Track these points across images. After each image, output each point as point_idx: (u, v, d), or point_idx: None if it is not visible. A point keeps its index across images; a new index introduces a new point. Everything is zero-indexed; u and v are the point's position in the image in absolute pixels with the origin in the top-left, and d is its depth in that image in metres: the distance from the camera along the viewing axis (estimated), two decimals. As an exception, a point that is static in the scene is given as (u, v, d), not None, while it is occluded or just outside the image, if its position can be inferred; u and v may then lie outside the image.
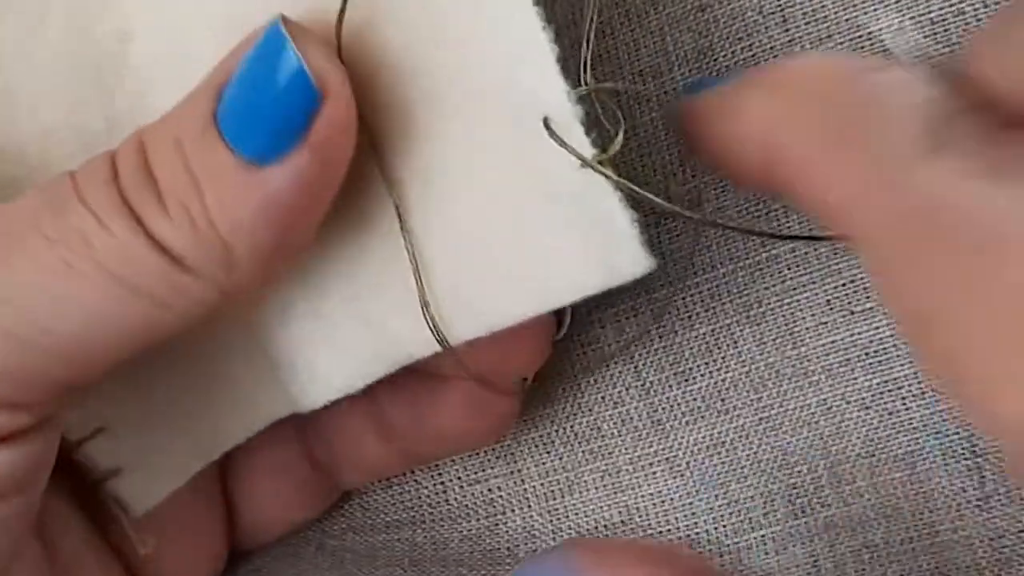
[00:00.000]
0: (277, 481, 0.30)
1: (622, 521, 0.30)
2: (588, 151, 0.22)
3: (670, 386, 0.30)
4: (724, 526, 0.29)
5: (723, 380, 0.30)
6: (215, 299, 0.23)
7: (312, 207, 0.23)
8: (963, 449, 0.28)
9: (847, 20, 0.28)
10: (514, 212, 0.23)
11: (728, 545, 0.29)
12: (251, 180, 0.22)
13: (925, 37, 0.28)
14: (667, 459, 0.30)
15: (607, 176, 0.22)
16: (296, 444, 0.30)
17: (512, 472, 0.31)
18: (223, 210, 0.22)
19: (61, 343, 0.22)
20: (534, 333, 0.27)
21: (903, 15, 0.28)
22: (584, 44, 0.23)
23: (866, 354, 0.29)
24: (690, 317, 0.30)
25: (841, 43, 0.28)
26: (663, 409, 0.30)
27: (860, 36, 0.28)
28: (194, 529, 0.29)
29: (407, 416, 0.28)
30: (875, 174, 0.19)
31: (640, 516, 0.30)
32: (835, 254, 0.29)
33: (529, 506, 0.31)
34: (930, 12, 0.27)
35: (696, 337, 0.30)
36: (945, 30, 0.27)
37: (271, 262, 0.23)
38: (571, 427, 0.31)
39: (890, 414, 0.29)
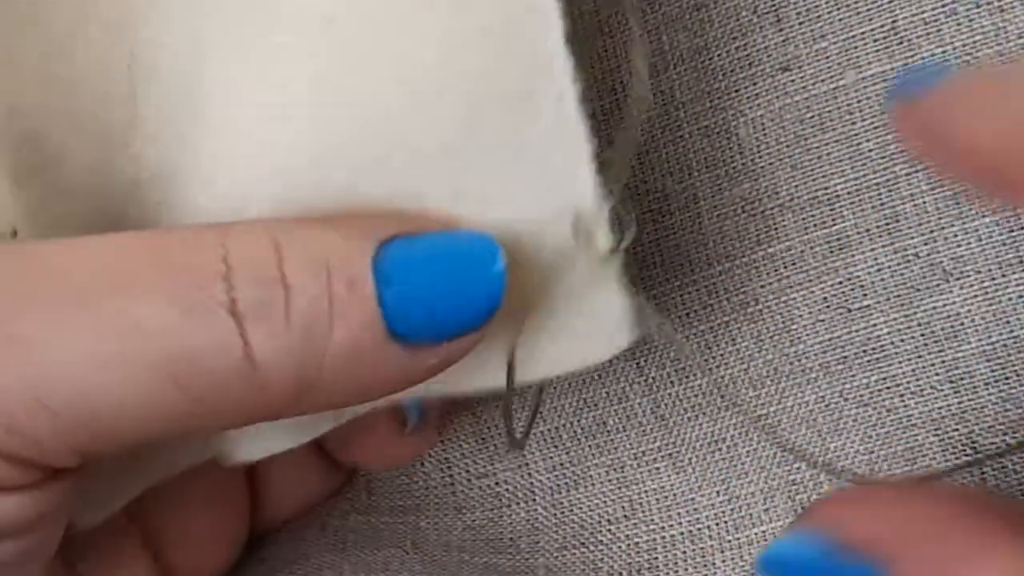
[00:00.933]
0: (297, 463, 0.30)
1: (625, 516, 0.31)
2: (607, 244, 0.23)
3: (671, 382, 0.31)
4: (726, 521, 0.30)
5: (722, 378, 0.30)
6: (254, 420, 0.22)
7: (390, 393, 0.23)
8: (963, 446, 0.29)
9: (840, 20, 0.28)
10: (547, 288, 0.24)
11: (729, 540, 0.30)
12: (379, 350, 0.21)
13: (918, 37, 0.28)
14: (670, 455, 0.31)
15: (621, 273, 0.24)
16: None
17: (520, 466, 0.32)
18: (340, 359, 0.21)
19: (96, 431, 0.20)
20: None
21: (895, 15, 0.28)
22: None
23: (864, 351, 0.29)
24: (688, 315, 0.31)
25: (835, 42, 0.28)
26: (666, 405, 0.31)
27: (853, 36, 0.28)
28: (219, 513, 0.29)
29: (349, 451, 0.28)
30: None
31: (643, 511, 0.31)
32: (832, 252, 0.29)
33: (535, 499, 0.32)
34: (923, 12, 0.27)
35: (694, 335, 0.31)
36: (938, 30, 0.27)
37: (320, 410, 0.22)
38: (578, 422, 0.32)
39: (888, 411, 0.29)
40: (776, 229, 0.29)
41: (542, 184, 0.23)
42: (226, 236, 0.21)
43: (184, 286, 0.20)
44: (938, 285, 0.28)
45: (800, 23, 0.29)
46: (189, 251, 0.20)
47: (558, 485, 0.32)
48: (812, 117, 0.29)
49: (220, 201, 0.22)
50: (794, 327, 0.30)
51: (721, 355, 0.30)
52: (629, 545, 0.31)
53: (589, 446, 0.32)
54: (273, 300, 0.20)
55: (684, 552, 0.30)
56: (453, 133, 0.22)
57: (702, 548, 0.30)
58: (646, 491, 0.31)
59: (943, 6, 0.27)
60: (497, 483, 0.32)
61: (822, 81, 0.29)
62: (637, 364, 0.31)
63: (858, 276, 0.29)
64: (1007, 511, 0.21)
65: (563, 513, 0.32)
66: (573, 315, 0.24)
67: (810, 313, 0.29)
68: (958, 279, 0.28)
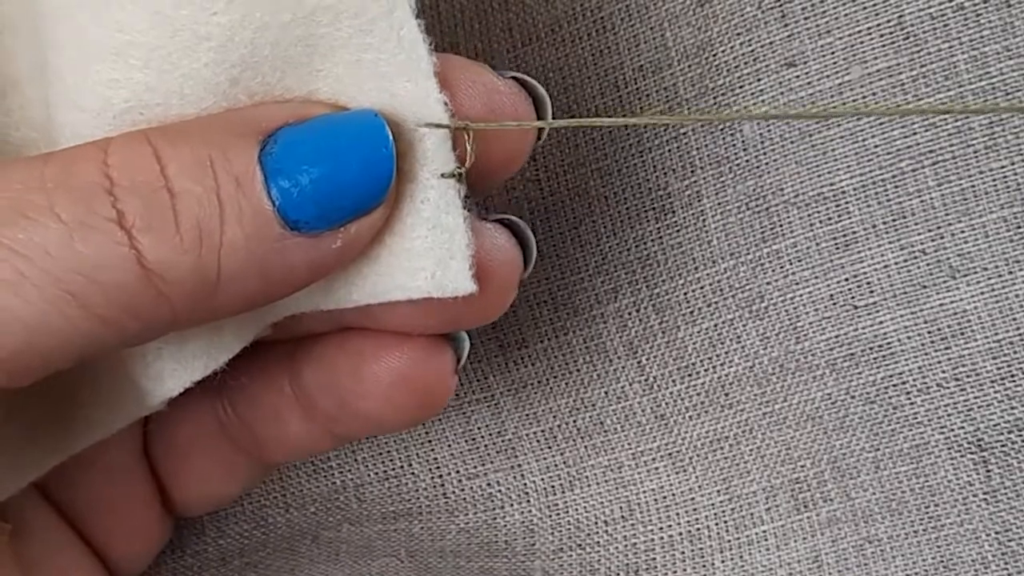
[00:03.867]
0: (199, 459, 0.29)
1: (623, 516, 0.31)
2: (450, 164, 0.23)
3: (673, 381, 0.31)
4: (725, 522, 0.30)
5: (727, 375, 0.30)
6: (165, 330, 0.22)
7: (309, 282, 0.23)
8: (969, 443, 0.29)
9: (846, 15, 0.29)
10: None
11: (729, 541, 0.30)
12: (276, 241, 0.21)
13: (925, 32, 0.28)
14: (670, 454, 0.31)
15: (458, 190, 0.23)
16: (216, 422, 0.29)
17: (513, 467, 0.32)
18: (237, 255, 0.21)
19: (4, 357, 0.20)
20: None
21: (902, 10, 0.29)
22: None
23: (870, 348, 0.29)
24: (692, 312, 0.31)
25: (840, 38, 0.29)
26: (667, 404, 0.31)
27: (859, 31, 0.29)
28: (128, 503, 0.29)
29: (330, 398, 0.26)
30: None
31: (641, 511, 0.31)
32: (838, 249, 0.30)
33: (528, 501, 0.32)
34: (930, 7, 0.28)
35: (699, 332, 0.31)
36: (945, 25, 0.28)
37: (235, 312, 0.22)
38: (574, 422, 0.32)
39: (895, 408, 0.29)
40: (781, 226, 0.30)
41: (385, 98, 0.23)
42: (106, 150, 0.21)
43: (70, 205, 0.20)
44: (945, 282, 0.29)
45: (805, 18, 0.29)
46: (71, 170, 0.21)
47: (553, 486, 0.32)
48: (818, 113, 0.29)
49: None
50: (800, 324, 0.30)
51: (726, 352, 0.30)
52: (627, 546, 0.31)
53: (586, 447, 0.32)
54: (159, 207, 0.21)
55: (683, 553, 0.30)
56: (298, 53, 0.23)
57: (701, 548, 0.30)
58: (644, 491, 0.31)
59: (950, 1, 0.28)
60: (489, 484, 0.32)
61: (827, 77, 0.29)
62: (638, 363, 0.31)
63: (864, 273, 0.29)
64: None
65: (558, 515, 0.32)
66: (413, 232, 0.24)
67: (816, 310, 0.30)
68: (965, 276, 0.29)
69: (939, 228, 0.29)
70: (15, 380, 0.21)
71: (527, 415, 0.32)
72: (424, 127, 0.23)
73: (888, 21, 0.29)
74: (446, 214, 0.23)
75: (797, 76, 0.30)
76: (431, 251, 0.23)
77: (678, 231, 0.31)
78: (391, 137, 0.22)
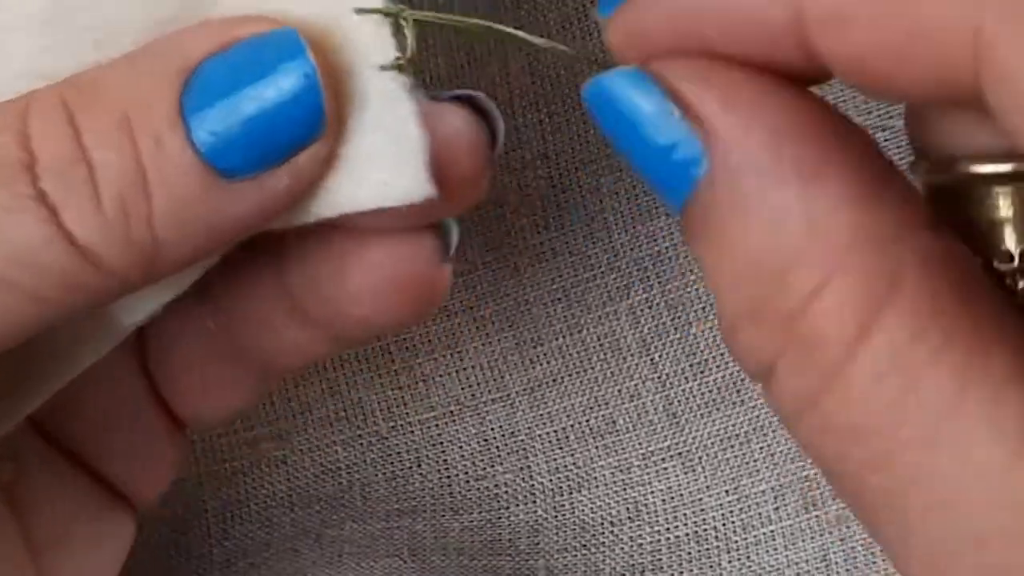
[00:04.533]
0: (199, 373, 0.28)
1: (629, 517, 0.30)
2: (389, 55, 0.21)
3: (686, 378, 0.31)
4: (733, 521, 0.29)
5: (738, 372, 0.30)
6: (120, 295, 0.21)
7: (263, 223, 0.22)
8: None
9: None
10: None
11: (736, 541, 0.29)
12: (213, 194, 0.20)
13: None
14: (680, 453, 0.30)
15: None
16: (211, 333, 0.28)
17: (522, 468, 0.32)
18: (171, 218, 0.20)
19: None
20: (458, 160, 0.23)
21: None
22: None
23: (882, 342, 0.29)
24: (704, 309, 0.31)
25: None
26: (679, 402, 0.31)
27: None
28: (133, 424, 0.28)
29: (320, 305, 0.25)
30: None
31: (648, 512, 0.30)
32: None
33: (535, 501, 0.31)
34: None
35: (711, 329, 0.31)
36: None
37: (190, 264, 0.21)
38: (587, 422, 0.32)
39: (907, 405, 0.28)
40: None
41: None
42: (25, 118, 0.20)
43: None
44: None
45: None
46: None
47: (560, 487, 0.31)
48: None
49: None
50: (809, 316, 0.29)
51: (735, 349, 0.30)
52: (632, 547, 0.30)
53: (597, 447, 0.31)
54: (78, 182, 0.20)
55: (689, 553, 0.30)
56: None
57: (707, 549, 0.29)
58: (652, 492, 0.30)
59: None
60: (496, 485, 0.32)
61: (831, 83, 0.29)
62: (651, 360, 0.31)
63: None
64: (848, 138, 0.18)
65: (564, 515, 0.31)
66: (357, 136, 0.22)
67: (826, 302, 0.29)
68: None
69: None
70: None
71: (541, 414, 0.32)
72: (358, 14, 0.21)
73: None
74: (391, 111, 0.21)
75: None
76: (380, 155, 0.21)
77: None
78: (311, 60, 0.20)
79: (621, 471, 0.31)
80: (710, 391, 0.31)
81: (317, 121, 0.20)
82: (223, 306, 0.26)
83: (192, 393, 0.28)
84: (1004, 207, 0.18)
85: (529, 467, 0.32)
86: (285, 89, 0.20)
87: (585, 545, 0.31)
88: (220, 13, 0.21)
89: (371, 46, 0.21)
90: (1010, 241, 0.18)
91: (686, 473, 0.30)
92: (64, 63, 0.21)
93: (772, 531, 0.29)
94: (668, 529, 0.30)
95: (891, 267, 0.17)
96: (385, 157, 0.21)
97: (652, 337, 0.31)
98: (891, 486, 0.17)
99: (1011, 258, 0.18)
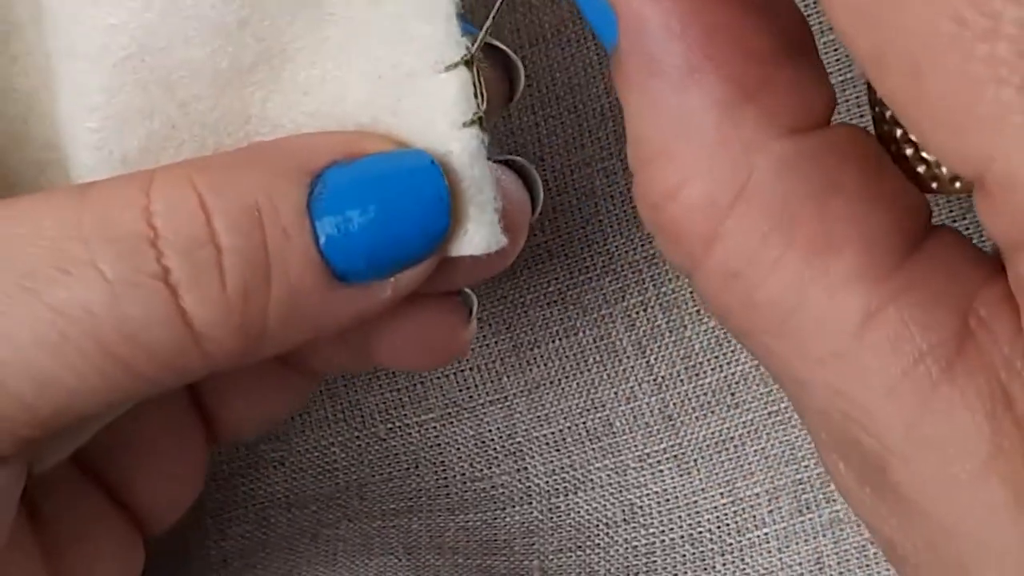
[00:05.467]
0: (246, 381, 0.28)
1: (624, 519, 0.31)
2: (469, 112, 0.22)
3: (681, 381, 0.31)
4: (728, 524, 0.30)
5: (733, 374, 0.30)
6: (194, 378, 0.21)
7: (353, 328, 0.22)
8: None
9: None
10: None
11: (730, 544, 0.30)
12: (326, 294, 0.21)
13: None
14: (675, 456, 0.31)
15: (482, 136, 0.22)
16: None
17: (519, 470, 0.32)
18: (283, 312, 0.20)
19: (38, 417, 0.20)
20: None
21: None
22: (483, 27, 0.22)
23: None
24: (699, 311, 0.31)
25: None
26: (674, 404, 0.31)
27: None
28: (177, 444, 0.28)
29: (353, 343, 0.26)
30: None
31: (643, 514, 0.31)
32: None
33: (531, 502, 0.32)
34: None
35: (706, 331, 0.31)
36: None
37: (274, 355, 0.22)
38: (584, 424, 0.32)
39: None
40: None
41: (401, 41, 0.22)
42: (148, 193, 0.20)
43: (114, 260, 0.20)
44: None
45: (808, 15, 0.30)
46: (112, 217, 0.20)
47: (556, 489, 0.32)
48: None
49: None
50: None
51: (732, 351, 0.31)
52: (627, 548, 0.30)
53: (593, 449, 0.32)
54: (206, 264, 0.20)
55: (683, 555, 0.30)
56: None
57: (702, 552, 0.30)
58: (648, 494, 0.31)
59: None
60: (493, 486, 0.32)
61: (830, 74, 0.29)
62: (647, 362, 0.31)
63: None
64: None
65: (559, 516, 0.31)
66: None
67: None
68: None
69: (944, 222, 0.28)
70: (49, 432, 0.21)
71: (538, 416, 0.32)
72: (444, 72, 0.21)
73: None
74: (472, 166, 0.22)
75: None
76: (463, 207, 0.22)
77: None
78: (447, 184, 0.21)
79: (617, 473, 0.31)
80: (705, 394, 0.31)
81: (437, 242, 0.21)
82: None
83: (239, 400, 0.28)
84: None
85: (526, 468, 0.32)
86: (416, 209, 0.21)
87: (580, 546, 0.31)
88: (293, 74, 0.22)
89: (455, 102, 0.22)
90: None
91: (681, 475, 0.31)
92: (131, 103, 0.21)
93: (766, 534, 0.30)
94: (663, 531, 0.30)
95: (742, 175, 0.18)
96: (468, 210, 0.22)
97: (647, 340, 0.31)
98: (761, 357, 0.19)
99: None
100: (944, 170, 0.19)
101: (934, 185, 0.19)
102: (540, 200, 0.25)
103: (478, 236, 0.22)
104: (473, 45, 0.22)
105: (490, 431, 0.33)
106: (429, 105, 0.22)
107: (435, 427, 0.33)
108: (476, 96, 0.22)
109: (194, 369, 0.21)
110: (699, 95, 0.18)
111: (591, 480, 0.32)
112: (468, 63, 0.22)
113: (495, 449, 0.33)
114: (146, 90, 0.22)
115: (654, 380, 0.31)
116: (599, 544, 0.31)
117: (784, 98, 0.18)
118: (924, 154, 0.19)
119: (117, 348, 0.20)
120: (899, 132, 0.19)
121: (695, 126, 0.18)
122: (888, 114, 0.19)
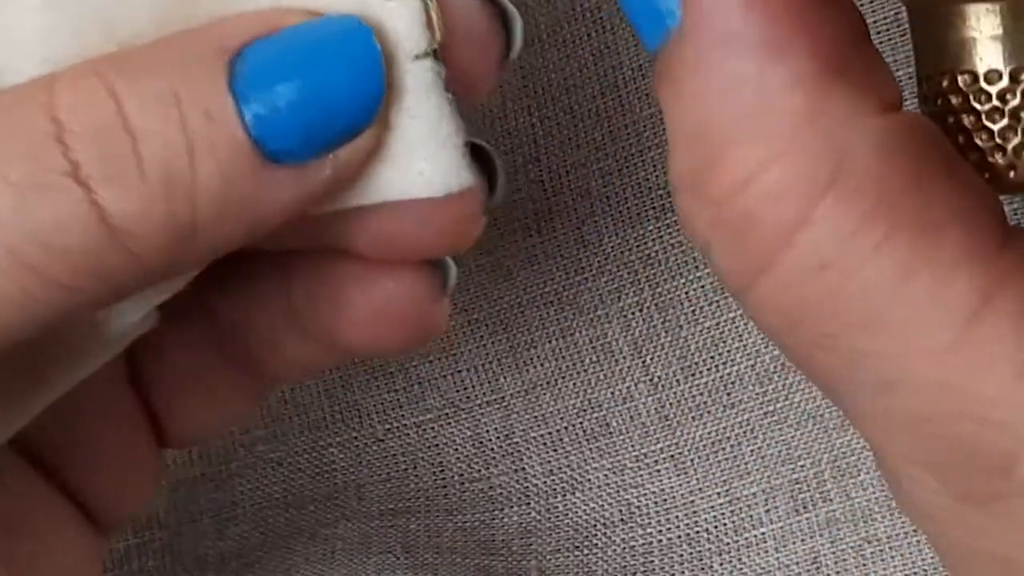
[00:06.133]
0: (194, 384, 0.27)
1: (622, 520, 0.31)
2: (422, 43, 0.21)
3: (677, 381, 0.31)
4: (724, 524, 0.30)
5: (729, 374, 0.31)
6: (138, 288, 0.20)
7: (294, 217, 0.21)
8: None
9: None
10: None
11: (727, 543, 0.30)
12: (258, 177, 0.19)
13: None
14: (672, 456, 0.31)
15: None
16: (210, 342, 0.27)
17: (516, 470, 0.32)
18: (213, 199, 0.19)
19: None
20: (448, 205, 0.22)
21: (899, 7, 0.29)
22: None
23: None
24: (695, 311, 0.31)
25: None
26: (671, 404, 0.31)
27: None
28: (116, 440, 0.26)
29: (318, 321, 0.24)
30: None
31: (641, 515, 0.31)
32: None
33: (528, 503, 0.32)
34: None
35: (702, 331, 0.31)
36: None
37: (214, 257, 0.21)
38: (581, 424, 0.32)
39: (896, 407, 0.29)
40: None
41: None
42: (52, 88, 0.19)
43: (17, 161, 0.18)
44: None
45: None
46: (13, 117, 0.19)
47: (554, 489, 0.32)
48: None
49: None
50: (799, 319, 0.30)
51: (728, 351, 0.31)
52: (625, 548, 0.31)
53: (590, 449, 0.32)
54: (119, 153, 0.18)
55: (681, 555, 0.30)
56: None
57: (699, 551, 0.30)
58: (645, 494, 0.31)
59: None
60: (491, 487, 0.32)
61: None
62: (643, 363, 0.31)
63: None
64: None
65: (557, 516, 0.32)
66: (394, 125, 0.21)
67: (816, 305, 0.30)
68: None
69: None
70: None
71: (536, 416, 0.33)
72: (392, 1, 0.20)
73: (885, 17, 0.29)
74: (427, 101, 0.21)
75: None
76: (418, 145, 0.21)
77: (679, 230, 0.31)
78: (379, 46, 0.20)
79: (615, 473, 0.32)
80: (701, 394, 0.31)
81: (373, 109, 0.20)
82: (223, 314, 0.25)
83: (186, 404, 0.27)
84: (992, 25, 0.18)
85: (524, 469, 0.32)
86: (347, 74, 0.20)
87: (578, 547, 0.31)
88: (245, 7, 0.20)
89: (406, 34, 0.20)
90: (997, 59, 0.18)
91: (678, 475, 0.31)
92: (68, 48, 0.20)
93: (763, 533, 0.30)
94: (660, 531, 0.31)
95: (837, 153, 0.17)
96: (423, 147, 0.21)
97: (643, 340, 0.32)
98: (837, 363, 0.17)
99: (1000, 76, 0.18)
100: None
101: (1011, 174, 0.18)
102: (500, 186, 0.24)
103: (438, 176, 0.21)
104: None
105: (487, 431, 0.33)
106: (380, 36, 0.20)
107: (432, 427, 0.33)
108: (430, 27, 0.21)
109: (122, 273, 0.19)
110: (785, 71, 0.17)
111: (588, 480, 0.32)
112: None
113: (492, 449, 0.33)
114: (83, 33, 0.20)
115: (650, 380, 0.32)
116: (597, 544, 0.31)
117: (873, 76, 0.17)
118: (1000, 140, 0.19)
119: (30, 255, 0.18)
120: (970, 120, 0.19)
121: (779, 104, 0.17)
122: (956, 102, 0.19)
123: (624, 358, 0.32)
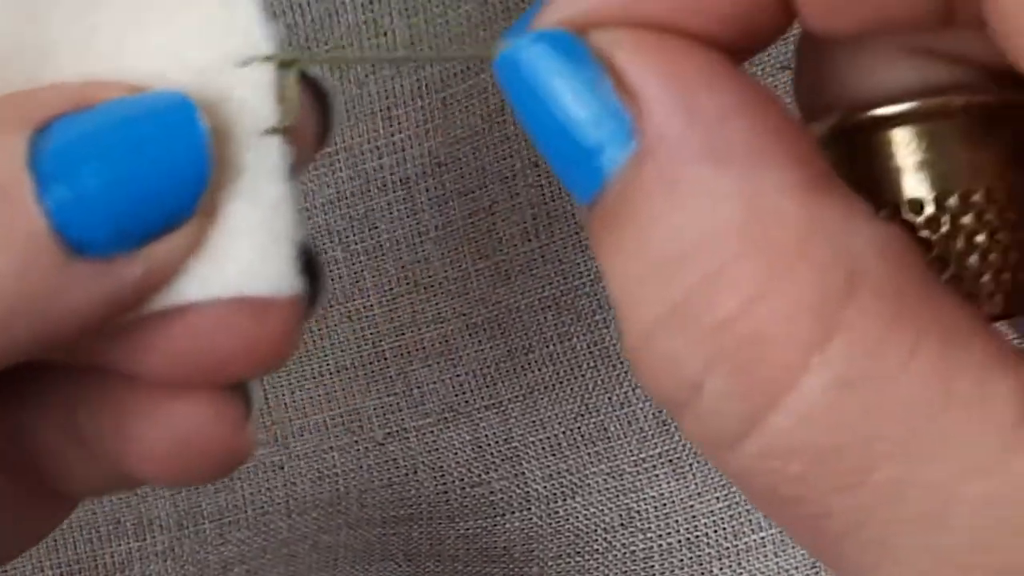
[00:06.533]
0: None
1: (622, 524, 0.31)
2: (271, 118, 0.18)
3: (674, 386, 0.31)
4: (724, 528, 0.30)
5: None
6: None
7: (100, 323, 0.18)
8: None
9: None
10: None
11: (727, 548, 0.30)
12: (58, 271, 0.17)
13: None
14: (671, 460, 0.31)
15: None
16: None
17: (516, 475, 0.32)
18: (5, 293, 0.17)
19: None
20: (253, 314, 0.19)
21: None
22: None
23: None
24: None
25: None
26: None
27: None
28: None
29: (107, 452, 0.21)
30: None
31: (641, 519, 0.31)
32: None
33: (529, 508, 0.32)
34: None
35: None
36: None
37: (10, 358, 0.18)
38: (578, 429, 0.32)
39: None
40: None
41: (204, 30, 0.18)
42: None
43: None
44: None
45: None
46: None
47: (554, 494, 0.32)
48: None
49: None
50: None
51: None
52: (625, 553, 0.31)
53: (589, 453, 0.32)
54: None
55: (681, 560, 0.30)
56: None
57: (699, 556, 0.30)
58: (645, 498, 0.31)
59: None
60: (492, 492, 0.33)
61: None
62: (639, 368, 0.32)
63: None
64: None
65: (559, 522, 0.32)
66: (226, 208, 0.18)
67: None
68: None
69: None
70: None
71: (534, 421, 0.33)
72: (243, 65, 0.18)
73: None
74: (267, 185, 0.18)
75: (791, 80, 0.30)
76: (248, 235, 0.18)
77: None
78: (205, 126, 0.17)
79: (613, 477, 0.32)
80: (700, 398, 0.31)
81: (194, 200, 0.17)
82: (11, 427, 0.22)
83: None
84: (915, 151, 0.17)
85: (523, 474, 0.33)
86: (165, 158, 0.17)
87: (579, 552, 0.32)
88: (64, 75, 0.18)
89: (254, 104, 0.18)
90: (921, 188, 0.17)
91: (677, 480, 0.31)
92: None
93: (763, 538, 0.30)
94: (660, 536, 0.31)
95: (849, 260, 0.15)
96: (252, 238, 0.18)
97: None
98: (863, 505, 0.15)
99: (921, 207, 0.17)
100: None
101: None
102: (322, 294, 0.20)
103: (266, 271, 0.18)
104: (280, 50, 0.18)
105: (486, 436, 0.33)
106: (223, 108, 0.18)
107: (432, 432, 0.34)
108: (283, 101, 0.18)
109: None
110: (777, 178, 0.15)
111: (588, 485, 0.32)
112: (285, 64, 0.18)
113: (492, 454, 0.33)
114: None
115: (649, 385, 0.32)
116: (597, 549, 0.31)
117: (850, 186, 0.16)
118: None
119: None
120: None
121: (777, 214, 0.15)
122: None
123: (622, 363, 0.32)
